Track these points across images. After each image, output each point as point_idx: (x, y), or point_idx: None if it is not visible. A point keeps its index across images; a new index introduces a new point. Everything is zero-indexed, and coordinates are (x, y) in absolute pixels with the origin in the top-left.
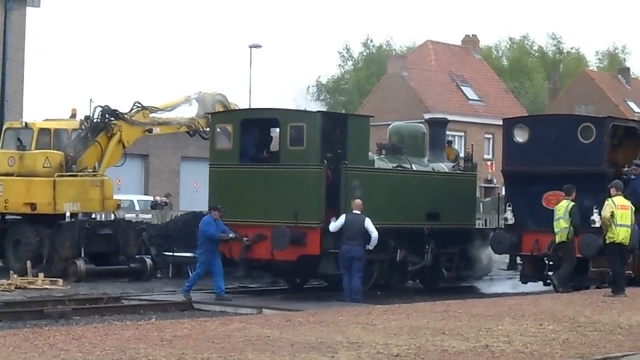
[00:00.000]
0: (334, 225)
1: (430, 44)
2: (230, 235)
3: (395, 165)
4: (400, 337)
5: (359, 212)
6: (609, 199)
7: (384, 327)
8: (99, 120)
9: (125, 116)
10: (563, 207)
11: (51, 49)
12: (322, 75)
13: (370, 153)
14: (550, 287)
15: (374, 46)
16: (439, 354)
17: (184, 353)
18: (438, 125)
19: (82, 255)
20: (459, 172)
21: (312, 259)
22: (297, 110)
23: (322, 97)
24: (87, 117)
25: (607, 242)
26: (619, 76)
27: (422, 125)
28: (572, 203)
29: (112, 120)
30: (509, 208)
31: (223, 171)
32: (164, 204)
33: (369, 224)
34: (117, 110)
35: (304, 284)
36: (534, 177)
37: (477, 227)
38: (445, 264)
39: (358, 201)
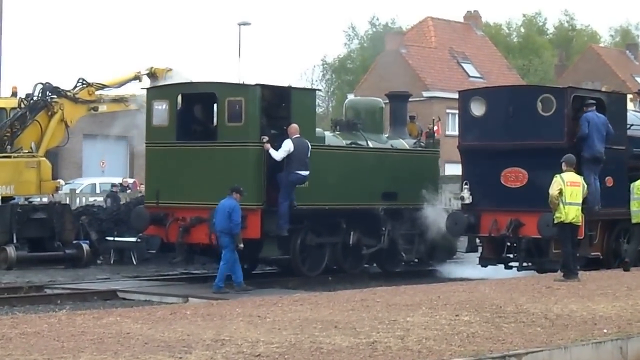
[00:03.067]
0: (280, 153)
1: (430, 20)
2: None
3: (349, 142)
4: (282, 332)
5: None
6: (557, 175)
7: (274, 320)
8: (38, 98)
9: (68, 93)
10: (638, 187)
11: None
12: (328, 54)
13: (320, 130)
14: (512, 271)
15: (379, 24)
16: (310, 353)
17: (11, 354)
18: (399, 100)
19: (14, 241)
20: (420, 149)
21: (253, 243)
22: (235, 83)
23: (327, 77)
24: (27, 95)
25: (555, 222)
26: (627, 52)
27: (379, 100)
28: None
29: (53, 98)
30: (466, 187)
31: (159, 150)
32: (126, 187)
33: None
34: (58, 88)
35: (253, 269)
36: (492, 153)
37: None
38: (404, 247)
39: (294, 125)
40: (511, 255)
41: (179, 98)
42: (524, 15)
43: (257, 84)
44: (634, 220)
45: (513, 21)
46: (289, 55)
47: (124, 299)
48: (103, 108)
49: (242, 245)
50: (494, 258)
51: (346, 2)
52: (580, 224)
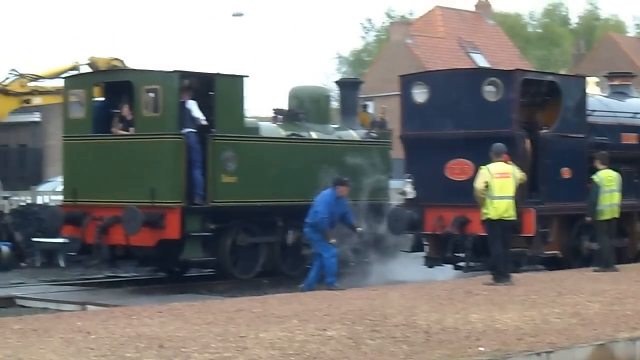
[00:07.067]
0: None
1: (439, 9)
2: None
3: (290, 133)
4: (89, 354)
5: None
6: (483, 166)
7: (98, 337)
8: None
9: None
10: (614, 177)
11: None
12: (344, 48)
13: (253, 120)
14: (460, 272)
15: (396, 16)
16: None
17: None
18: (349, 87)
19: None
20: (369, 140)
21: (174, 244)
22: (152, 71)
23: (343, 70)
24: None
25: (482, 218)
26: None
27: (326, 87)
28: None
29: None
30: (409, 180)
31: (76, 144)
32: None
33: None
34: None
35: (185, 272)
36: (435, 143)
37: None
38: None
39: None
40: (460, 255)
41: (99, 87)
42: (550, 4)
43: (175, 71)
44: (605, 217)
45: (537, 11)
46: (304, 48)
47: (22, 306)
48: (37, 100)
49: (333, 242)
50: (440, 258)
51: None
52: (513, 219)
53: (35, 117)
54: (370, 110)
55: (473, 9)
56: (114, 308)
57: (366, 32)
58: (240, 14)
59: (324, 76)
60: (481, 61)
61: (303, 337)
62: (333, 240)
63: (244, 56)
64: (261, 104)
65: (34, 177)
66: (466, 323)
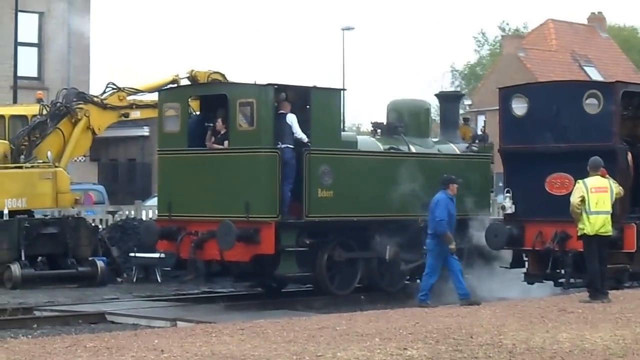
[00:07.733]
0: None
1: (552, 22)
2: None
3: (388, 147)
4: None
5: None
6: (580, 181)
7: (171, 356)
8: (61, 104)
9: (95, 99)
10: None
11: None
12: (457, 61)
13: (351, 134)
14: (560, 289)
15: (509, 29)
16: None
17: None
18: (450, 100)
19: (22, 258)
20: (469, 154)
21: (269, 260)
22: (246, 84)
23: (457, 84)
24: (53, 102)
25: (579, 234)
26: None
27: (425, 101)
28: None
29: (79, 104)
30: (508, 195)
31: (171, 158)
32: None
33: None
34: (84, 93)
35: (282, 287)
36: (535, 157)
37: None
38: None
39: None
40: (561, 271)
41: (198, 101)
42: None
43: (269, 84)
44: None
45: None
46: (417, 62)
47: (112, 322)
48: (136, 114)
49: (453, 246)
50: (541, 274)
51: (475, 8)
52: (610, 234)
53: (144, 131)
54: (480, 123)
55: (586, 22)
56: (196, 325)
57: (480, 46)
58: (350, 28)
59: (440, 89)
60: (594, 74)
61: (382, 356)
62: (452, 246)
63: (355, 70)
64: (375, 118)
65: (143, 192)
66: (554, 342)
